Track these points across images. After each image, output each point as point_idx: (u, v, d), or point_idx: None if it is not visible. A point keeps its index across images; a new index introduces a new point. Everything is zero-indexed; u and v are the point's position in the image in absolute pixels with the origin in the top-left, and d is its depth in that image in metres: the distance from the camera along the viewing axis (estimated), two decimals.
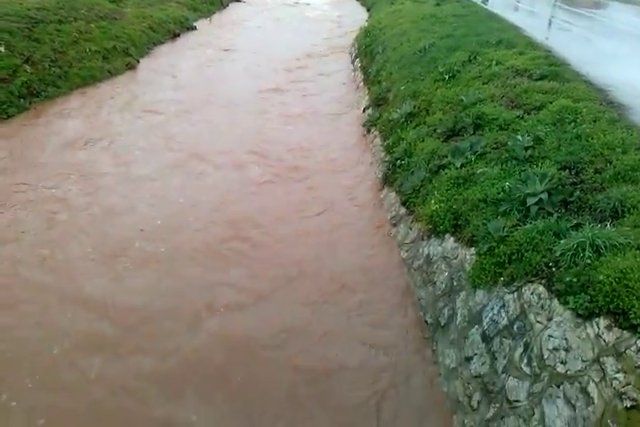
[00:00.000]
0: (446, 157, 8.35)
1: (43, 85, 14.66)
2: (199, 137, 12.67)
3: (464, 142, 8.34)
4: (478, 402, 5.46)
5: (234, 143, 12.35)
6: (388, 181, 9.88)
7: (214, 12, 30.03)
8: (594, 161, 6.69)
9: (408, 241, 8.12)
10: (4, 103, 13.16)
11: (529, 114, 8.41)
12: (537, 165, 6.90)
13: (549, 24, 19.17)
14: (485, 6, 22.13)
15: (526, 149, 7.32)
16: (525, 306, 5.39)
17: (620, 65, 11.77)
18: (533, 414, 4.80)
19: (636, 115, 8.16)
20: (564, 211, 6.15)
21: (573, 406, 4.43)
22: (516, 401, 5.02)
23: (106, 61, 17.54)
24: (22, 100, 13.76)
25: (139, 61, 18.92)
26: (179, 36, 23.50)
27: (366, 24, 23.32)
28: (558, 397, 4.62)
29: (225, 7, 32.35)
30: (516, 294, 5.59)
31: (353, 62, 19.82)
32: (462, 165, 7.87)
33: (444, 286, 6.79)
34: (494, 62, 11.10)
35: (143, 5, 23.99)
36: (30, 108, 13.73)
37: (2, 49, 14.49)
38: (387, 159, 10.37)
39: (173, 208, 9.38)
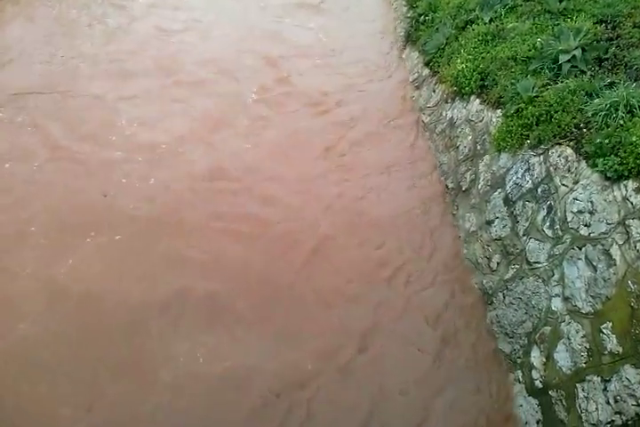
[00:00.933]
0: (474, 11, 7.78)
1: None
2: None
3: None
4: (497, 263, 5.58)
5: None
6: (410, 39, 9.34)
7: None
8: (633, 14, 6.18)
9: (431, 104, 7.84)
10: None
11: None
12: (571, 19, 6.41)
13: None
14: None
15: (561, 1, 6.76)
16: (551, 169, 5.29)
17: None
18: (553, 275, 4.90)
19: None
20: (597, 69, 5.79)
21: (594, 268, 4.49)
22: (536, 262, 5.11)
23: None
24: None
25: None
26: None
27: None
28: (579, 258, 4.68)
29: None
30: (542, 156, 5.45)
31: None
32: (491, 20, 7.35)
33: (467, 150, 6.66)
34: None
35: None
36: None
37: None
38: (409, 15, 9.72)
39: None
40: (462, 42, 7.47)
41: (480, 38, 7.13)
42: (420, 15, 9.10)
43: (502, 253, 5.57)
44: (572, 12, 6.63)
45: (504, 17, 7.27)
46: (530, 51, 6.33)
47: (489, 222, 5.85)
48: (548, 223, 5.11)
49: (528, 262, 5.20)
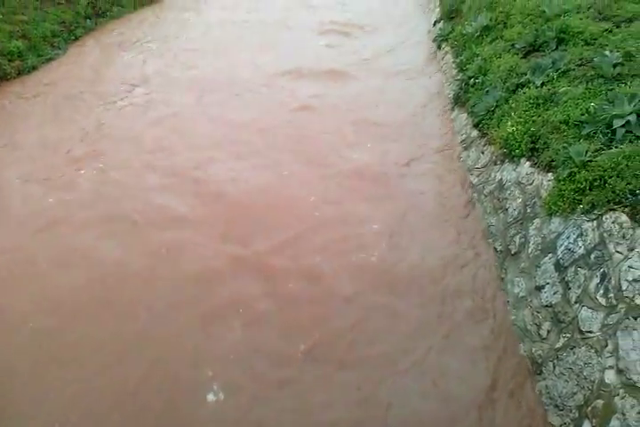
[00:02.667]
0: (525, 74, 7.81)
1: (108, 5, 14.47)
2: None
3: (545, 58, 7.75)
4: (548, 331, 5.36)
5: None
6: (459, 101, 9.41)
7: None
8: None
9: (479, 166, 7.80)
10: (71, 24, 13.07)
11: (619, 27, 7.70)
12: (626, 84, 6.38)
13: None
14: None
15: (614, 65, 6.74)
16: (605, 235, 5.14)
17: None
18: (607, 345, 4.67)
19: None
20: None
21: None
22: (589, 332, 4.89)
23: None
24: (88, 20, 13.65)
25: None
26: None
27: None
28: (635, 329, 4.46)
29: None
30: (595, 222, 5.31)
31: None
32: (543, 84, 7.35)
33: (516, 212, 6.55)
34: None
35: None
36: (96, 28, 13.64)
37: None
38: (459, 77, 9.84)
39: None
40: (512, 105, 7.47)
41: (531, 102, 7.13)
42: (469, 78, 9.19)
43: (553, 321, 5.36)
44: (626, 77, 6.60)
45: (556, 81, 7.26)
46: (582, 115, 6.28)
47: (539, 288, 5.67)
48: (601, 291, 4.92)
49: (580, 331, 4.98)
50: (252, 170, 8.15)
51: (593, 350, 4.80)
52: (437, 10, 14.01)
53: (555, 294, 5.45)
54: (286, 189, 7.76)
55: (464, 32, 10.74)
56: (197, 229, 7.00)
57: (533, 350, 5.48)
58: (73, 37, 12.92)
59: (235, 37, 13.41)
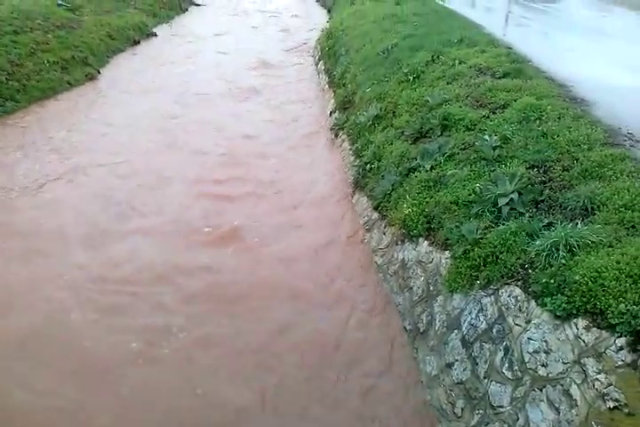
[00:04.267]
0: (416, 159, 8.31)
1: (0, 100, 14.29)
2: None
3: (432, 144, 8.31)
4: (462, 409, 5.42)
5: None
6: (358, 185, 9.82)
7: (173, 17, 29.63)
8: (561, 159, 6.71)
9: (382, 246, 8.06)
10: None
11: (494, 113, 8.42)
12: (506, 165, 6.91)
13: (506, 20, 19.39)
14: (443, 3, 22.23)
15: (494, 148, 7.32)
16: (503, 309, 5.37)
17: (578, 60, 11.91)
18: (518, 418, 4.77)
19: (599, 110, 8.22)
20: (535, 210, 6.15)
21: (557, 410, 4.41)
22: (500, 407, 4.99)
23: (65, 72, 17.13)
24: None
25: (99, 71, 18.55)
26: (139, 42, 23.13)
27: (328, 25, 23.25)
28: (542, 400, 4.60)
29: (184, 12, 31.97)
30: (493, 297, 5.56)
31: (316, 65, 19.72)
32: (432, 168, 7.85)
33: (420, 291, 6.75)
34: (457, 61, 11.11)
35: (101, 13, 23.44)
36: None
37: None
38: (356, 163, 10.31)
39: None
40: (407, 188, 7.89)
41: (423, 184, 7.57)
42: (366, 163, 9.65)
43: (466, 398, 5.44)
44: (505, 159, 7.15)
45: (443, 164, 7.77)
46: (470, 195, 6.71)
47: (449, 365, 5.78)
48: (506, 365, 5.08)
49: (492, 407, 5.07)
50: None
51: (506, 425, 4.90)
52: (332, 101, 14.80)
53: (464, 370, 5.56)
54: None
55: (358, 121, 11.36)
56: None
57: None
58: None
59: None
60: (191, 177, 11.01)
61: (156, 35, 25.02)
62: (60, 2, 21.43)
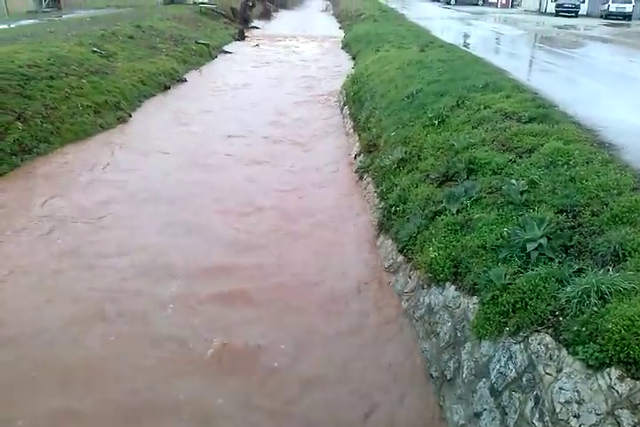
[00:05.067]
0: (441, 202, 8.29)
1: (35, 142, 14.70)
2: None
3: (458, 188, 8.31)
4: None
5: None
6: (383, 227, 9.79)
7: (203, 64, 30.53)
8: (590, 203, 6.65)
9: (407, 290, 7.97)
10: None
11: (521, 157, 8.42)
12: (534, 210, 6.86)
13: (530, 65, 19.62)
14: (467, 50, 22.62)
15: (522, 193, 7.29)
16: (533, 357, 5.23)
17: (605, 104, 11.95)
18: None
19: (627, 154, 8.19)
20: (564, 256, 6.06)
21: None
22: None
23: (98, 116, 17.67)
24: (14, 157, 13.76)
25: (130, 115, 19.07)
26: (169, 88, 23.80)
27: (353, 71, 23.70)
28: None
29: (213, 58, 32.93)
30: (522, 344, 5.43)
31: (341, 110, 20.02)
32: (458, 211, 7.81)
33: (447, 336, 6.61)
34: (482, 106, 11.22)
35: (133, 59, 24.40)
36: (22, 164, 13.72)
37: None
38: (381, 206, 10.32)
39: None
40: (433, 231, 7.84)
41: (449, 228, 7.52)
42: (391, 206, 9.64)
43: None
44: (533, 203, 7.10)
45: (470, 208, 7.73)
46: (498, 240, 6.64)
47: (477, 415, 5.60)
48: (537, 415, 4.91)
49: None
50: None
51: None
52: (357, 144, 14.96)
53: (493, 420, 5.38)
54: None
55: (382, 164, 11.43)
56: None
57: None
58: None
59: None
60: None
61: (185, 80, 25.72)
62: (95, 49, 22.29)
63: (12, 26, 30.98)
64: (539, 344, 5.20)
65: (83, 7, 45.40)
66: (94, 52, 22.24)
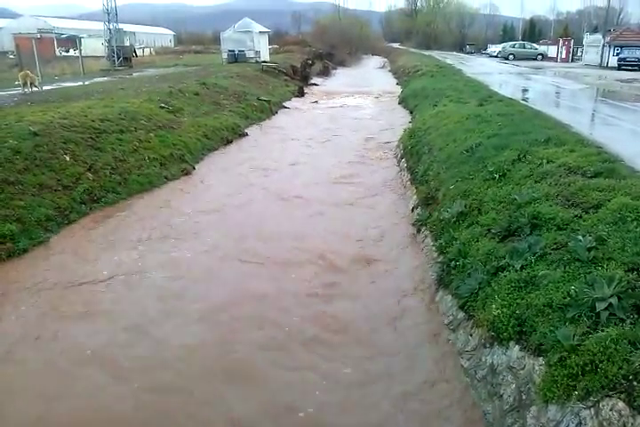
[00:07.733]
0: (504, 258, 8.09)
1: (103, 192, 15.36)
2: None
3: (522, 243, 8.10)
4: None
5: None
6: (442, 282, 9.59)
7: (264, 119, 31.43)
8: None
9: (469, 349, 7.70)
10: (65, 209, 13.75)
11: (587, 213, 8.20)
12: (602, 267, 6.61)
13: (593, 119, 19.38)
14: (527, 104, 22.55)
15: (589, 249, 7.05)
16: (605, 424, 4.92)
17: None
18: None
19: None
20: (636, 316, 5.77)
21: None
22: None
23: (163, 168, 18.33)
24: (83, 205, 14.37)
25: (194, 167, 19.68)
26: (231, 142, 24.55)
27: (410, 125, 23.91)
28: None
29: (274, 114, 33.88)
30: (593, 409, 5.12)
31: (399, 163, 20.11)
32: (522, 267, 7.58)
33: (511, 399, 6.31)
34: (545, 160, 11.06)
35: (198, 114, 25.43)
36: (89, 213, 14.27)
37: (67, 158, 15.41)
38: (440, 260, 10.15)
39: None
40: (495, 287, 7.61)
41: (513, 285, 7.28)
42: (450, 260, 9.47)
43: None
44: (601, 261, 6.85)
45: (534, 264, 7.51)
46: (565, 298, 6.39)
47: None
48: None
49: None
50: None
51: None
52: (414, 197, 14.91)
53: None
54: None
55: (441, 217, 11.32)
56: None
57: None
58: (66, 221, 13.47)
59: None
60: None
61: (247, 134, 26.52)
62: (163, 105, 23.37)
63: (87, 83, 33.05)
64: (610, 410, 4.91)
65: (152, 66, 47.99)
66: (162, 107, 23.32)
